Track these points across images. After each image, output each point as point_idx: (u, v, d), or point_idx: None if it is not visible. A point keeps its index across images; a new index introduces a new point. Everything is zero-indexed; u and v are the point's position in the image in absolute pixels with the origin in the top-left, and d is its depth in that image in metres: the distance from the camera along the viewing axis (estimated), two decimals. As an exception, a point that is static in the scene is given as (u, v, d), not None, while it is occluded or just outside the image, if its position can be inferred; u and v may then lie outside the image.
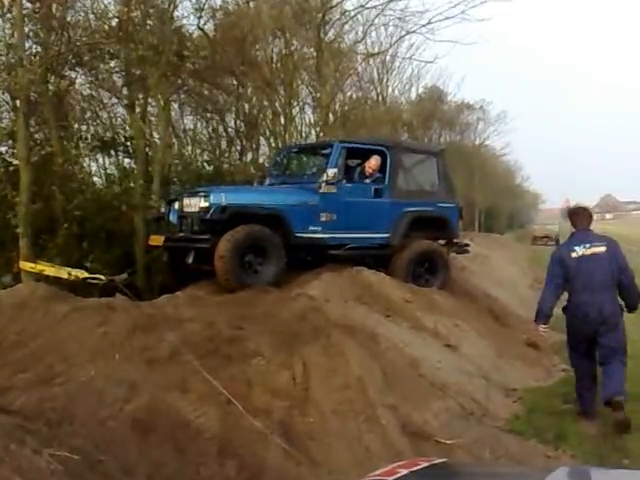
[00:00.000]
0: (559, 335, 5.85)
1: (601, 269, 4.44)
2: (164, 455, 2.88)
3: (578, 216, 4.73)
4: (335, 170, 6.37)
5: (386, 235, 6.79)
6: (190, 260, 5.88)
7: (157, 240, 6.27)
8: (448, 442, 3.75)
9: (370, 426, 3.62)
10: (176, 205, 6.27)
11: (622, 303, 4.57)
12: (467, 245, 8.15)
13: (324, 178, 6.36)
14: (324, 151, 7.05)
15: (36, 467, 2.28)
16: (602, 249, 4.50)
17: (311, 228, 6.31)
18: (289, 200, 6.33)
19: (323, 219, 6.38)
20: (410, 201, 6.97)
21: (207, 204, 5.81)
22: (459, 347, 5.46)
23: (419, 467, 1.71)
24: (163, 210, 6.56)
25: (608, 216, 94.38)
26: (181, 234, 6.07)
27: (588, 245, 4.51)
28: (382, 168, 6.92)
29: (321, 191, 6.36)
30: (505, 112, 26.55)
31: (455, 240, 7.66)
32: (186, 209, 6.07)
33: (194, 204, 5.96)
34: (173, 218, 6.29)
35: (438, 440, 3.75)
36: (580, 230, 4.69)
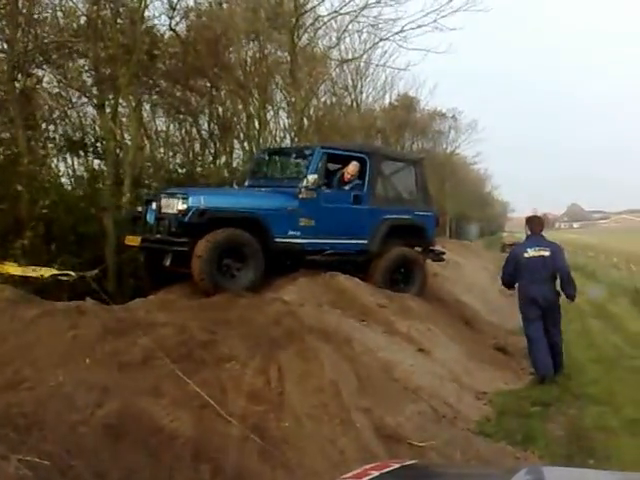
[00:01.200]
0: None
1: (544, 267, 5.77)
2: (137, 460, 2.82)
3: (532, 223, 6.10)
4: (315, 176, 6.35)
5: (364, 241, 6.81)
6: (167, 263, 5.77)
7: (134, 240, 6.11)
8: (421, 444, 3.80)
9: (344, 429, 3.63)
10: (154, 205, 6.12)
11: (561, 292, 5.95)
12: (443, 253, 8.28)
13: (304, 184, 6.32)
14: (305, 155, 6.98)
15: (4, 473, 2.21)
16: (547, 253, 5.82)
17: (290, 233, 6.27)
18: (268, 204, 6.28)
19: (302, 224, 6.35)
20: (388, 208, 7.02)
21: (185, 206, 5.69)
22: (431, 351, 5.53)
23: (390, 469, 1.73)
24: (140, 210, 6.41)
25: (575, 225, 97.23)
26: (158, 235, 5.91)
27: (537, 248, 5.85)
28: (361, 174, 6.94)
29: (301, 196, 6.34)
30: (476, 121, 27.06)
31: (432, 248, 7.77)
32: (164, 210, 5.93)
33: (172, 205, 5.84)
34: (150, 218, 6.13)
35: (411, 442, 3.80)
36: (533, 234, 6.02)
